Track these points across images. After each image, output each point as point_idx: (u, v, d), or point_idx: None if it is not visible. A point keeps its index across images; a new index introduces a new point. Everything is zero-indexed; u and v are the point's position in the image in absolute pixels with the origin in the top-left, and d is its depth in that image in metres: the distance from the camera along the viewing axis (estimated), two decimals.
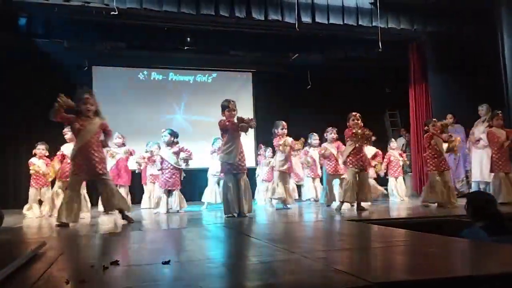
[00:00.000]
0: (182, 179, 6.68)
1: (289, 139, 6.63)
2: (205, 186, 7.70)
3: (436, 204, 5.78)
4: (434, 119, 6.48)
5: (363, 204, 5.69)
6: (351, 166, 5.71)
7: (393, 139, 8.73)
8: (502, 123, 6.36)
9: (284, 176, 6.60)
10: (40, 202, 6.47)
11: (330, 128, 7.31)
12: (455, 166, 8.08)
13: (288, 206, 6.47)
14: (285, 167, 6.57)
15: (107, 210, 4.96)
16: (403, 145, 10.33)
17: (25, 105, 9.37)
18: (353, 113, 5.91)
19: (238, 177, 5.24)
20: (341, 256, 2.14)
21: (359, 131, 5.65)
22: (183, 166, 6.63)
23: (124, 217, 4.75)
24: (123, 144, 7.41)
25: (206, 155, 7.98)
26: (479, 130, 7.11)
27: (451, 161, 8.12)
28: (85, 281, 1.60)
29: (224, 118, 5.42)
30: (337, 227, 3.81)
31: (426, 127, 6.21)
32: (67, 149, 6.01)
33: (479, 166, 7.01)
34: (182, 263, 2.02)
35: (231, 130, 5.28)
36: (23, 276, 1.79)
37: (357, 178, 5.67)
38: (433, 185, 5.83)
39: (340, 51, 9.76)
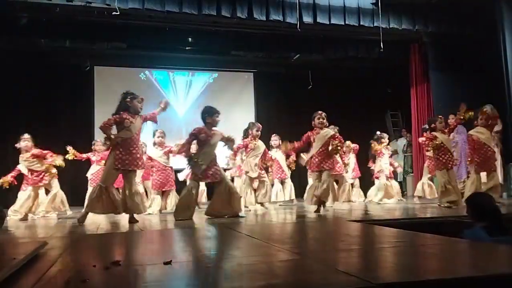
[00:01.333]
0: (174, 179, 6.68)
1: (261, 145, 6.61)
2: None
3: (453, 203, 5.69)
4: (440, 116, 6.39)
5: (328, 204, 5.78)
6: (314, 168, 5.64)
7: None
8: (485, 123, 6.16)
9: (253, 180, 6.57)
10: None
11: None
12: (457, 167, 8.07)
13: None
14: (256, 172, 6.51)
15: (121, 211, 4.87)
16: (404, 145, 10.33)
17: (27, 104, 9.40)
18: (319, 112, 5.77)
19: (219, 186, 5.16)
20: (342, 257, 2.14)
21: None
22: (171, 164, 6.63)
23: (131, 219, 4.76)
24: None
25: None
26: None
27: None
28: (86, 281, 1.61)
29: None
30: (338, 228, 3.81)
31: (432, 125, 6.07)
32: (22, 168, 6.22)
33: None
34: (183, 264, 2.03)
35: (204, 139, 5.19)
36: (25, 276, 1.80)
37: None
38: (444, 184, 5.78)
39: (341, 51, 9.77)
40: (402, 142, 10.41)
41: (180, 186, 7.03)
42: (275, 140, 7.74)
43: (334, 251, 2.35)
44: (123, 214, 4.89)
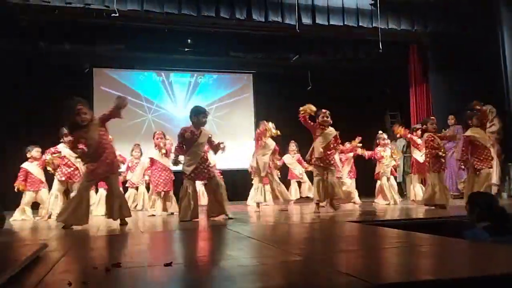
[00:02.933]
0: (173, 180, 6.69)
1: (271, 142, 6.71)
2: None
3: (437, 206, 5.73)
4: (432, 117, 6.44)
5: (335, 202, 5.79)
6: (319, 164, 5.75)
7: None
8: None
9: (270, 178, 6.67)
10: (36, 205, 6.49)
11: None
12: (457, 167, 8.07)
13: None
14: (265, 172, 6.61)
15: (109, 216, 4.81)
16: (403, 146, 10.31)
17: (26, 107, 9.40)
18: (323, 110, 5.92)
19: (209, 183, 5.23)
20: (341, 258, 2.14)
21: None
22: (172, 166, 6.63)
23: (122, 222, 4.75)
24: None
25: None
26: None
27: (453, 161, 8.11)
28: (87, 283, 1.61)
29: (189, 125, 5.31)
30: (337, 228, 3.81)
31: (424, 126, 6.12)
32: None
33: None
34: (184, 265, 2.03)
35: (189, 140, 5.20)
36: (25, 278, 1.80)
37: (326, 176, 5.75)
38: (435, 186, 5.79)
39: (340, 52, 9.77)
40: (401, 142, 10.39)
41: (177, 188, 7.06)
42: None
43: (334, 252, 2.35)
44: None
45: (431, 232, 3.04)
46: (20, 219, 6.20)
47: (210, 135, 5.35)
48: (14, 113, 9.27)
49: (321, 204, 5.85)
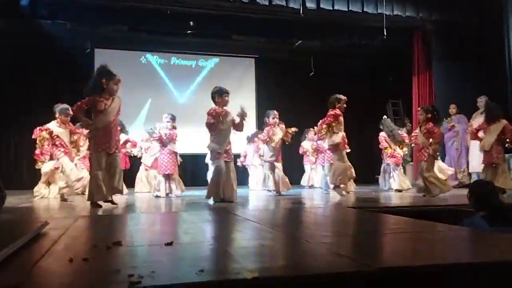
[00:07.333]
0: (179, 164, 6.71)
1: (279, 131, 6.68)
2: (203, 171, 7.86)
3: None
4: (418, 109, 6.52)
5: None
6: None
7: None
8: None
9: (272, 166, 6.69)
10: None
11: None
12: (457, 156, 8.08)
13: (282, 193, 6.61)
14: (274, 158, 6.68)
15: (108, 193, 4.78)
16: None
17: (28, 86, 9.36)
18: (343, 97, 6.17)
19: (228, 165, 5.33)
20: (343, 242, 2.15)
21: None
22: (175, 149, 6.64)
23: (110, 200, 4.75)
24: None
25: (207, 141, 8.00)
26: (478, 122, 7.05)
27: (453, 150, 8.11)
28: (88, 260, 1.61)
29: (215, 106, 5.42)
30: (339, 214, 3.82)
31: (429, 115, 5.94)
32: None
33: (478, 157, 6.98)
34: (184, 245, 2.04)
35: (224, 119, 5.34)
36: (26, 254, 1.80)
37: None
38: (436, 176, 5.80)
39: (344, 38, 9.69)
40: (402, 131, 10.36)
41: (181, 171, 7.10)
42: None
43: (335, 236, 2.36)
44: (126, 196, 4.87)
45: (430, 219, 3.05)
46: (43, 195, 6.19)
47: (232, 116, 5.45)
48: (15, 92, 9.25)
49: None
